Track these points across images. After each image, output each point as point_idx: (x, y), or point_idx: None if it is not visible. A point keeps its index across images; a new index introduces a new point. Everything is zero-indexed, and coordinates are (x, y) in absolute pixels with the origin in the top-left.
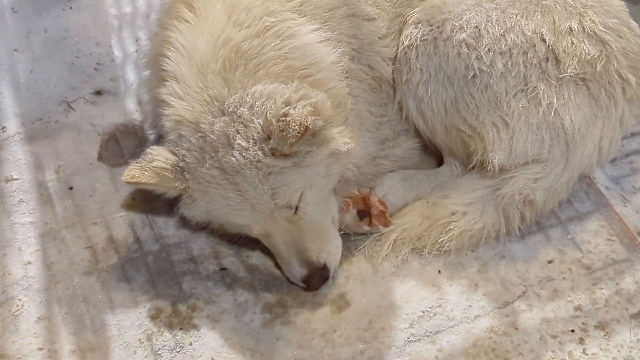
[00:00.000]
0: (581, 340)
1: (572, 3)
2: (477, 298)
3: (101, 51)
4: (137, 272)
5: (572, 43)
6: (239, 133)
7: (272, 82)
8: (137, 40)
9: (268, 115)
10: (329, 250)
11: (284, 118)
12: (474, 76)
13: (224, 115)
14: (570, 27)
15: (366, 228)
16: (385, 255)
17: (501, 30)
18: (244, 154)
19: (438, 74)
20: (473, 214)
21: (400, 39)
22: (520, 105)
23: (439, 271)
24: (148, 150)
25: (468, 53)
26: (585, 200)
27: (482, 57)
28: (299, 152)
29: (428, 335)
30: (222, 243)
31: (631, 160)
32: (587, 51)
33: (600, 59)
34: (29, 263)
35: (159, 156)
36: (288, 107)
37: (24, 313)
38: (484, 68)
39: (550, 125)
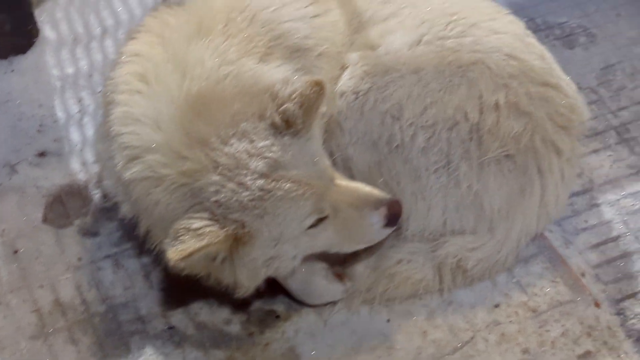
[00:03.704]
0: None
1: (498, 73)
2: (426, 345)
3: (44, 113)
4: (84, 334)
5: (498, 121)
6: (253, 141)
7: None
8: (80, 101)
9: (270, 108)
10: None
11: (294, 95)
12: (397, 146)
13: (226, 144)
14: (497, 102)
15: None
16: (337, 309)
17: (422, 106)
18: (272, 149)
19: (364, 137)
20: (416, 262)
21: (328, 108)
22: (439, 182)
23: (388, 320)
24: (173, 229)
25: (391, 123)
26: (529, 244)
27: (404, 129)
28: (311, 125)
29: None
30: (170, 301)
31: (572, 202)
32: (511, 127)
33: (526, 132)
34: None
35: (190, 222)
36: (284, 88)
37: None
38: (406, 141)
39: (470, 205)
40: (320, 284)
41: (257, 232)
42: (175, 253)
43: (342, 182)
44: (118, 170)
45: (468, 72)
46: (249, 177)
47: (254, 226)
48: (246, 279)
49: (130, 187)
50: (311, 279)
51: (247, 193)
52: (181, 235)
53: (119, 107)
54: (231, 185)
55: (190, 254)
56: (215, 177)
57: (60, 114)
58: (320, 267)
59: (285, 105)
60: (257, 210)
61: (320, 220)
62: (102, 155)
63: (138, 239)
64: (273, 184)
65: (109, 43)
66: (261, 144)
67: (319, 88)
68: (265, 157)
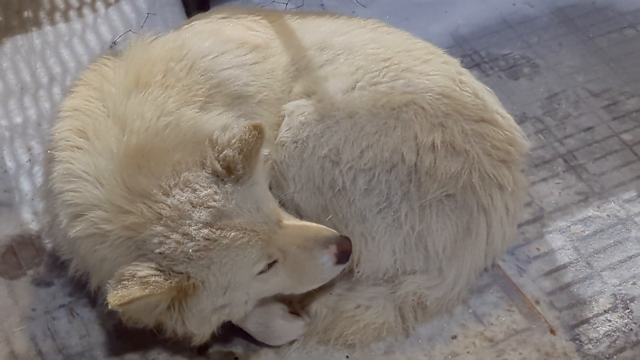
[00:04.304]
0: None
1: (432, 112)
2: None
3: None
4: None
5: (435, 162)
6: (195, 191)
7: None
8: (29, 150)
9: (210, 156)
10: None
11: (233, 140)
12: (339, 190)
13: (168, 195)
14: (433, 142)
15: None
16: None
17: (358, 150)
18: (215, 197)
19: (308, 184)
20: (376, 308)
21: (271, 152)
22: (385, 223)
23: (347, 356)
24: (119, 272)
25: (331, 168)
26: (483, 273)
27: (344, 173)
28: (253, 170)
29: None
30: (127, 348)
31: (524, 230)
32: (449, 167)
33: (464, 171)
34: None
35: (137, 269)
36: (223, 134)
37: None
38: (347, 184)
39: (415, 246)
40: (279, 324)
41: (203, 283)
42: (115, 298)
43: (290, 222)
44: (63, 229)
45: (402, 113)
46: (193, 227)
47: (200, 277)
48: (197, 328)
49: (76, 245)
50: (269, 321)
51: (192, 244)
52: (125, 280)
53: (60, 164)
54: (175, 236)
55: (130, 301)
56: (159, 229)
57: (10, 164)
58: (278, 307)
59: (224, 152)
60: (203, 261)
61: (269, 265)
62: (48, 213)
63: (90, 291)
64: (218, 232)
65: (56, 91)
66: (204, 192)
67: (257, 132)
68: (209, 207)
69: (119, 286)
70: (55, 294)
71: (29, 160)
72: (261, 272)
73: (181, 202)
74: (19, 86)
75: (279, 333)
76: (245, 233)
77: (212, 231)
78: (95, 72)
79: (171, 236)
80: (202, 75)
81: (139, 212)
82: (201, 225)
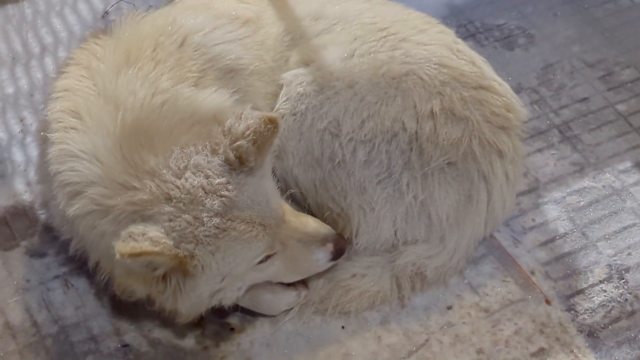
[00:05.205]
0: None
1: (430, 82)
2: (381, 350)
3: None
4: (36, 356)
5: (435, 129)
6: (208, 177)
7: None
8: (22, 120)
9: (224, 144)
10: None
11: (248, 132)
12: (339, 162)
13: (179, 177)
14: (432, 110)
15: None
16: (290, 318)
17: (359, 120)
18: (228, 187)
19: (307, 157)
20: (372, 276)
21: None
22: (385, 193)
23: (342, 327)
24: (128, 230)
25: (331, 140)
26: (478, 244)
27: (344, 145)
28: (264, 162)
29: None
30: (122, 319)
31: (519, 201)
32: (449, 133)
33: (464, 137)
34: None
35: (147, 229)
36: (237, 124)
37: None
38: (347, 156)
39: (418, 215)
40: (267, 298)
41: (204, 267)
42: (125, 247)
43: (292, 217)
44: (61, 209)
45: (401, 83)
46: (205, 214)
47: (204, 260)
48: (187, 309)
49: (76, 223)
50: (257, 296)
51: (202, 228)
52: (135, 236)
53: (54, 145)
54: (187, 216)
55: (140, 254)
56: (169, 209)
57: (2, 134)
58: (264, 283)
59: (238, 142)
60: (210, 247)
61: (268, 256)
62: (46, 196)
63: (89, 268)
64: (228, 223)
65: (48, 61)
66: (217, 180)
67: (272, 125)
68: (222, 196)
69: (129, 239)
70: (49, 265)
71: (21, 130)
72: (260, 262)
73: (193, 187)
74: (10, 56)
75: (269, 305)
76: (253, 227)
77: (222, 221)
78: (85, 50)
79: (182, 216)
80: (196, 51)
81: (147, 189)
82: (213, 213)
